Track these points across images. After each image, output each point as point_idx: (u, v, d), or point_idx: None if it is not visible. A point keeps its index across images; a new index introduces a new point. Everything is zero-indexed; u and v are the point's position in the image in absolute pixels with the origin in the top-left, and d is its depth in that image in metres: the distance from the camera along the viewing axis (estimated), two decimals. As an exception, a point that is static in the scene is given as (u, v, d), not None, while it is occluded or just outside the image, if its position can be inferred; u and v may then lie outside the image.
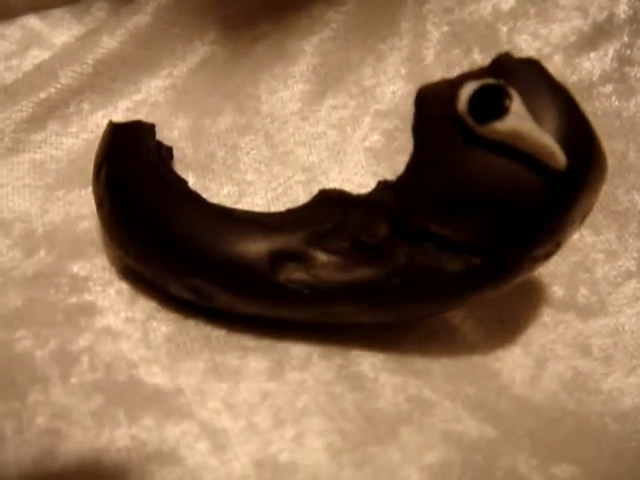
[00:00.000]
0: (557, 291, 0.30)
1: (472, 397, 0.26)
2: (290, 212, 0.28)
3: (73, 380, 0.24)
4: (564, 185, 0.23)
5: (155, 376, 0.25)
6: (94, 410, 0.23)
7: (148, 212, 0.27)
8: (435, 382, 0.26)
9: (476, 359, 0.28)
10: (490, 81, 0.24)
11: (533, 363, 0.28)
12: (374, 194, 0.29)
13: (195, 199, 0.27)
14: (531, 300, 0.30)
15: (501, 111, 0.23)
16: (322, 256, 0.25)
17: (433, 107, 0.25)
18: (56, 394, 0.24)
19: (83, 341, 0.26)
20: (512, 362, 0.28)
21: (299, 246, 0.26)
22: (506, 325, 0.29)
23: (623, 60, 0.35)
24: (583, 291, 0.30)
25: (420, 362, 0.27)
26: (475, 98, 0.24)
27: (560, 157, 0.23)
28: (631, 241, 0.31)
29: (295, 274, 0.25)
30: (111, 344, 0.26)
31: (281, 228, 0.26)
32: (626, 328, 0.29)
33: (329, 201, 0.28)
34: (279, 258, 0.25)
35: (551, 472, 0.23)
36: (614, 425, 0.26)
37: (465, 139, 0.24)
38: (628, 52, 0.35)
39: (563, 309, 0.30)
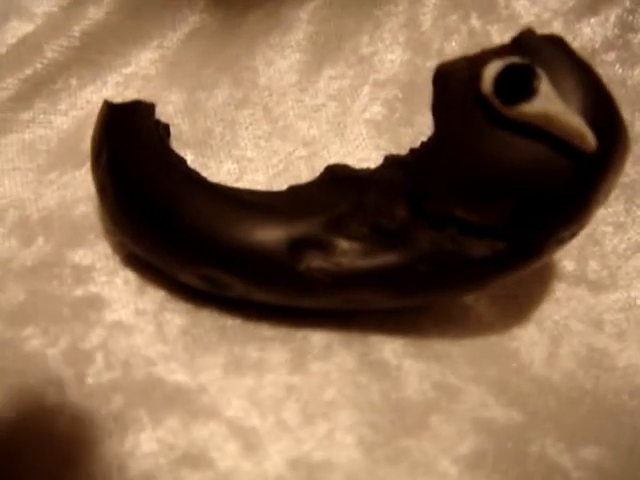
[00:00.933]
0: (567, 265, 0.30)
1: (495, 380, 0.26)
2: (300, 192, 0.28)
3: (89, 380, 0.24)
4: (592, 167, 0.23)
5: (175, 373, 0.24)
6: (115, 412, 0.23)
7: (156, 199, 0.25)
8: (457, 366, 0.26)
9: (493, 339, 0.28)
10: (516, 60, 0.23)
11: (548, 340, 0.28)
12: (383, 171, 0.28)
13: (204, 183, 0.26)
14: (542, 275, 0.30)
15: (528, 91, 0.22)
16: (343, 243, 0.25)
17: (453, 86, 0.24)
18: (73, 396, 0.23)
19: (95, 337, 0.25)
20: (528, 340, 0.28)
21: (318, 232, 0.25)
22: (519, 301, 0.29)
23: (625, 26, 0.34)
24: (593, 265, 0.30)
25: (439, 345, 0.27)
26: (500, 77, 0.23)
27: (590, 139, 0.22)
28: (639, 213, 0.31)
29: (316, 262, 0.24)
30: (125, 340, 0.25)
31: (297, 213, 0.25)
32: (637, 302, 0.29)
33: (338, 180, 0.28)
34: (299, 246, 0.24)
35: (580, 455, 0.23)
36: (631, 402, 0.26)
37: (490, 120, 0.23)
38: (630, 18, 0.35)
39: (574, 284, 0.30)
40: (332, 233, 0.25)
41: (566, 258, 0.30)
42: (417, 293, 0.25)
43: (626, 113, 0.31)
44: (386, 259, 0.24)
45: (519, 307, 0.29)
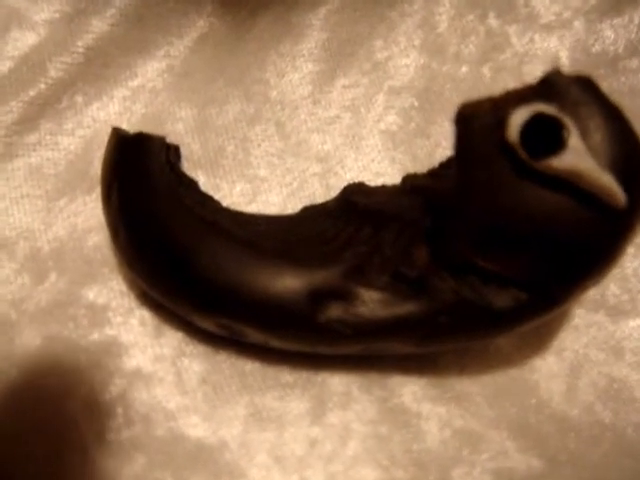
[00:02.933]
0: (587, 289, 0.30)
1: (514, 421, 0.26)
2: (316, 225, 0.27)
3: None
4: (620, 222, 0.22)
5: (196, 427, 0.24)
6: (139, 473, 0.23)
7: (170, 246, 0.25)
8: (477, 408, 0.26)
9: (512, 372, 0.28)
10: (544, 109, 0.22)
11: (567, 371, 0.28)
12: (400, 200, 0.27)
13: (223, 229, 0.25)
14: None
15: (556, 142, 0.21)
16: (363, 292, 0.24)
17: (477, 130, 0.23)
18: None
19: (115, 388, 0.25)
20: (547, 372, 0.28)
21: (339, 282, 0.24)
22: (538, 330, 0.29)
23: (651, 31, 0.33)
24: (613, 289, 0.30)
25: (458, 384, 0.27)
26: (526, 125, 0.22)
27: (620, 197, 0.22)
28: (661, 233, 0.30)
29: (336, 313, 0.24)
30: (145, 391, 0.25)
31: (316, 261, 0.25)
32: (658, 329, 0.29)
33: (354, 210, 0.27)
34: (319, 297, 0.24)
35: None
36: (651, 436, 0.26)
37: (515, 169, 0.22)
38: (656, 21, 0.33)
39: (594, 309, 0.29)
40: (352, 282, 0.24)
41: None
42: (437, 342, 0.25)
43: (647, 124, 0.31)
44: (406, 309, 0.24)
45: (538, 336, 0.29)
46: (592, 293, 0.30)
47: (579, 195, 0.22)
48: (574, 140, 0.21)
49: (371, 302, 0.24)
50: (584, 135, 0.22)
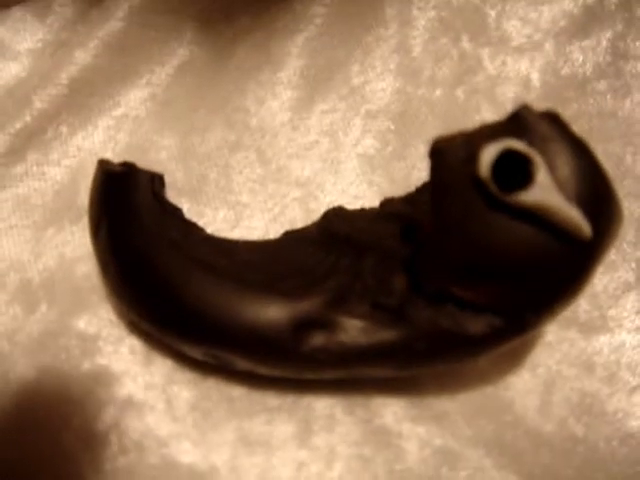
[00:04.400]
0: (559, 306, 0.31)
1: (491, 438, 0.27)
2: (296, 252, 0.28)
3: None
4: (587, 252, 0.23)
5: (187, 454, 0.25)
6: (134, 502, 0.24)
7: (159, 280, 0.26)
8: (455, 427, 0.27)
9: (488, 390, 0.29)
10: (513, 145, 0.23)
11: (541, 387, 0.29)
12: (379, 225, 0.28)
13: (206, 263, 0.26)
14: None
15: (526, 177, 0.23)
16: (345, 321, 0.25)
17: (450, 165, 0.24)
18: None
19: (108, 417, 0.26)
20: (522, 388, 0.29)
21: (321, 312, 0.25)
22: (512, 347, 0.30)
23: (617, 53, 0.34)
24: (584, 305, 0.31)
25: (437, 403, 0.28)
26: (497, 159, 0.23)
27: (586, 229, 0.23)
28: (629, 251, 0.32)
29: (318, 342, 0.25)
30: (137, 419, 0.26)
31: (298, 292, 0.26)
32: (627, 344, 0.30)
33: (333, 236, 0.28)
34: (302, 327, 0.25)
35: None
36: (621, 449, 0.28)
37: (487, 202, 0.23)
38: (622, 44, 0.34)
39: (566, 326, 0.31)
40: (334, 311, 0.25)
41: (557, 299, 0.31)
42: (416, 367, 0.26)
43: (616, 146, 0.32)
44: (386, 336, 0.25)
45: (512, 354, 0.30)
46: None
47: (547, 227, 0.23)
48: (542, 176, 0.23)
49: (352, 330, 0.25)
50: (552, 169, 0.23)
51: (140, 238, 0.26)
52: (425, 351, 0.25)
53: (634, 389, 0.29)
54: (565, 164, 0.23)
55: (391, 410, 0.27)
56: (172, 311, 0.26)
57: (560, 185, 0.23)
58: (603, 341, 0.30)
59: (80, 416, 0.25)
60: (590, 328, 0.31)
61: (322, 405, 0.27)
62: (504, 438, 0.27)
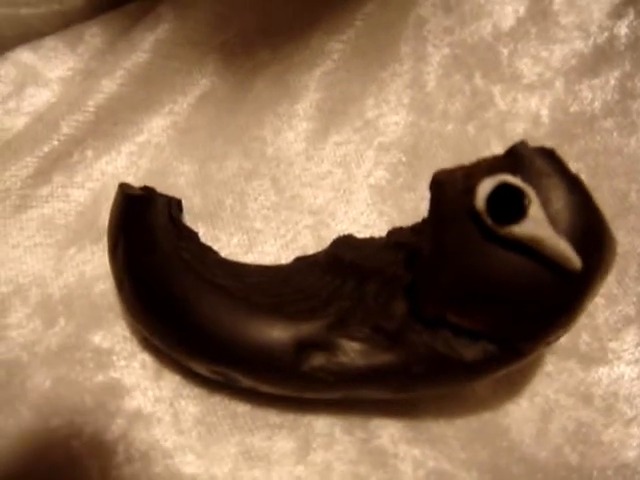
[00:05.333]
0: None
1: (486, 463, 0.28)
2: (304, 277, 0.29)
3: (113, 474, 0.26)
4: (578, 283, 0.24)
5: (190, 465, 0.26)
6: (136, 508, 0.25)
7: (170, 300, 0.27)
8: (451, 451, 0.28)
9: (486, 416, 0.30)
10: (508, 179, 0.24)
11: (539, 416, 0.30)
12: (385, 253, 0.30)
13: (217, 284, 0.28)
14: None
15: (519, 210, 0.24)
16: (345, 343, 0.26)
17: (450, 197, 0.25)
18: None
19: (117, 428, 0.27)
20: (520, 416, 0.30)
21: (323, 334, 0.26)
22: (511, 375, 0.31)
23: (625, 92, 0.35)
24: (585, 337, 0.32)
25: (435, 427, 0.29)
26: (493, 192, 0.24)
27: (575, 261, 0.24)
28: (631, 285, 0.32)
29: (319, 362, 0.26)
30: (144, 430, 0.27)
31: (303, 315, 0.27)
32: (625, 377, 0.31)
33: (341, 263, 0.29)
34: (304, 347, 0.26)
35: None
36: (616, 478, 0.28)
37: (482, 234, 0.24)
38: (630, 84, 0.35)
39: (565, 356, 0.31)
40: (335, 334, 0.27)
41: (559, 330, 0.32)
42: (412, 390, 0.27)
43: (621, 182, 0.33)
44: (384, 359, 0.26)
45: (511, 382, 0.31)
46: (564, 341, 0.32)
47: (539, 259, 0.24)
48: (534, 210, 0.24)
49: (352, 352, 0.26)
50: (546, 204, 0.24)
51: (154, 258, 0.28)
52: (422, 375, 0.26)
53: (631, 420, 0.30)
54: (558, 199, 0.24)
55: (388, 432, 0.28)
56: (181, 328, 0.27)
57: (552, 219, 0.24)
58: (602, 372, 0.31)
59: (91, 426, 0.27)
60: (590, 359, 0.31)
61: (322, 424, 0.28)
62: (498, 463, 0.28)
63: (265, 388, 0.27)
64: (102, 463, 0.26)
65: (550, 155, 0.25)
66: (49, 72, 0.36)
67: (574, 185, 0.25)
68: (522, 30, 0.37)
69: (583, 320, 0.32)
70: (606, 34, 0.37)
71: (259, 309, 0.27)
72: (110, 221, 0.30)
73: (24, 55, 0.36)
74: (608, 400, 0.30)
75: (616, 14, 0.37)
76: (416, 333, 0.26)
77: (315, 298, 0.28)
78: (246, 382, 0.27)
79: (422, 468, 0.27)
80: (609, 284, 0.33)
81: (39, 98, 0.35)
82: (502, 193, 0.24)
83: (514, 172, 0.24)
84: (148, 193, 0.30)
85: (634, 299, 0.32)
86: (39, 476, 0.25)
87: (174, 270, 0.28)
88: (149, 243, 0.28)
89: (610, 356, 0.31)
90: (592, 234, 0.24)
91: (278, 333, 0.26)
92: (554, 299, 0.25)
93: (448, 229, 0.25)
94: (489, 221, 0.24)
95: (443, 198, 0.26)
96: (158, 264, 0.28)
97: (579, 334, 0.32)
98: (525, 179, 0.24)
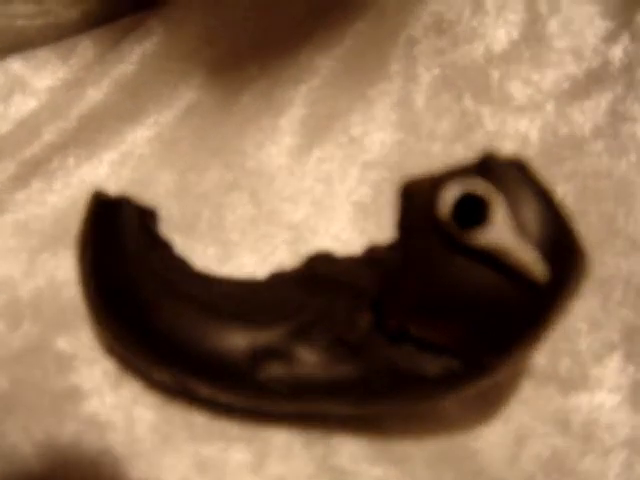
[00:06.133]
0: (539, 361, 0.31)
1: (450, 485, 0.27)
2: (276, 289, 0.28)
3: (58, 476, 0.25)
4: (545, 296, 0.23)
5: (140, 472, 0.25)
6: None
7: (133, 303, 0.27)
8: (415, 470, 0.27)
9: (457, 438, 0.29)
10: (472, 188, 0.23)
11: (512, 441, 0.29)
12: (359, 270, 0.29)
13: (181, 290, 0.27)
14: (513, 371, 0.30)
15: (484, 220, 0.23)
16: (303, 353, 0.26)
17: (416, 206, 0.25)
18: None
19: (68, 432, 0.26)
20: (492, 440, 0.29)
21: (281, 342, 0.26)
22: (487, 398, 0.30)
23: (616, 114, 0.34)
24: (566, 362, 0.31)
25: (400, 446, 0.28)
26: (458, 202, 0.23)
27: (541, 272, 0.23)
28: (615, 310, 0.31)
29: (275, 372, 0.26)
30: (97, 435, 0.26)
31: (264, 321, 0.26)
32: (607, 404, 0.30)
33: (315, 278, 0.28)
34: (261, 355, 0.26)
35: None
36: (589, 510, 0.27)
37: (447, 243, 0.24)
38: (621, 107, 0.35)
39: (545, 382, 0.30)
40: (294, 343, 0.26)
41: (538, 354, 0.31)
42: (372, 405, 0.26)
43: (609, 206, 0.32)
44: (343, 372, 0.25)
45: (486, 404, 0.30)
46: (544, 366, 0.31)
47: (504, 270, 0.23)
48: (498, 216, 0.23)
49: (310, 363, 0.26)
50: (514, 214, 0.23)
51: (120, 261, 0.28)
52: (382, 389, 0.25)
53: (610, 450, 0.29)
54: (528, 209, 0.24)
55: (349, 449, 0.27)
56: (142, 333, 0.26)
57: (521, 229, 0.23)
58: (582, 399, 0.30)
59: (44, 429, 0.26)
60: (570, 386, 0.30)
61: (281, 438, 0.27)
62: (464, 486, 0.27)
63: (222, 398, 0.27)
64: (49, 466, 0.25)
65: (520, 167, 0.24)
66: (38, 82, 0.36)
67: (544, 197, 0.24)
68: (515, 53, 0.37)
69: (564, 345, 0.31)
70: (600, 58, 0.36)
71: (220, 316, 0.26)
72: (81, 225, 0.29)
73: (15, 64, 0.36)
74: (587, 427, 0.29)
75: (611, 39, 0.37)
76: (377, 346, 0.25)
77: (280, 309, 0.27)
78: (204, 391, 0.26)
79: (382, 487, 0.26)
80: (593, 309, 0.32)
81: (26, 106, 0.35)
82: (470, 205, 0.23)
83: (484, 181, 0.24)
84: (120, 200, 0.29)
85: (618, 325, 0.31)
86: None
87: (139, 275, 0.27)
88: (117, 248, 0.28)
89: (592, 382, 0.30)
90: (561, 246, 0.24)
91: (235, 339, 0.26)
92: (520, 312, 0.24)
93: (413, 239, 0.25)
94: (453, 228, 0.23)
95: (410, 208, 0.25)
96: (124, 268, 0.27)
97: (560, 359, 0.31)
98: (494, 189, 0.23)
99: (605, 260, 0.32)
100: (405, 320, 0.25)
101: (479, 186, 0.23)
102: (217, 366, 0.26)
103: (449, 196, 0.23)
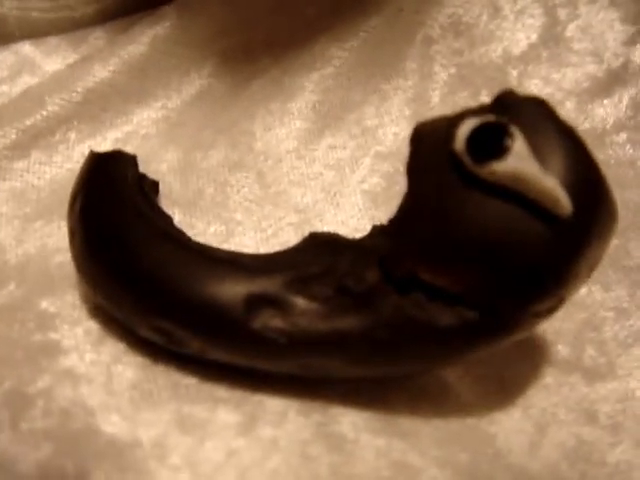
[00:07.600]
0: (562, 350, 0.28)
1: (464, 464, 0.24)
2: (276, 254, 0.26)
3: (23, 426, 0.22)
4: (569, 234, 0.21)
5: (113, 425, 0.23)
6: (40, 460, 0.21)
7: (119, 247, 0.25)
8: (423, 446, 0.24)
9: (470, 421, 0.26)
10: (491, 118, 0.22)
11: (533, 428, 0.26)
12: (367, 239, 0.27)
13: (173, 236, 0.25)
14: (533, 359, 0.28)
15: (502, 151, 0.21)
16: (302, 302, 0.23)
17: (429, 145, 0.23)
18: (3, 440, 0.22)
19: (41, 383, 0.24)
20: (510, 426, 0.26)
21: (278, 290, 0.24)
22: (505, 385, 0.27)
23: (638, 107, 0.33)
24: (590, 351, 0.28)
25: (408, 423, 0.25)
26: (474, 136, 0.21)
27: (565, 203, 0.21)
28: (642, 299, 0.29)
29: (272, 321, 0.23)
30: (70, 388, 0.24)
31: (261, 270, 0.24)
32: (637, 394, 0.27)
33: (318, 244, 0.26)
34: (255, 302, 0.23)
35: None
36: (621, 502, 0.24)
37: (462, 180, 0.22)
38: (644, 99, 0.33)
39: (568, 370, 0.27)
40: (293, 292, 0.24)
41: (561, 342, 0.28)
42: (377, 362, 0.24)
43: (634, 194, 0.30)
44: (346, 323, 0.23)
45: (504, 390, 0.27)
46: (567, 354, 0.28)
47: (525, 205, 0.21)
48: (518, 145, 0.21)
49: (310, 313, 0.23)
50: (535, 148, 0.21)
51: (109, 207, 0.26)
52: (387, 342, 0.23)
53: (641, 441, 0.25)
54: (549, 142, 0.22)
55: (350, 419, 0.24)
56: (128, 277, 0.25)
57: (542, 160, 0.21)
58: (609, 389, 0.27)
59: (15, 377, 0.24)
60: (595, 375, 0.28)
61: (275, 403, 0.24)
62: (479, 467, 0.24)
63: (212, 352, 0.24)
64: (15, 415, 0.23)
65: (541, 103, 0.23)
66: (46, 65, 0.36)
67: (566, 130, 0.22)
68: (533, 54, 0.36)
69: (589, 334, 0.29)
70: (621, 60, 0.35)
71: (213, 260, 0.24)
72: (75, 182, 0.28)
73: (26, 47, 0.36)
74: (615, 418, 0.26)
75: (632, 43, 0.36)
76: (384, 295, 0.23)
77: (278, 260, 0.25)
78: (193, 344, 0.24)
79: (385, 458, 0.23)
80: (620, 298, 0.29)
81: (30, 83, 0.34)
82: (487, 140, 0.22)
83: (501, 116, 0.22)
84: (116, 152, 0.28)
85: (646, 313, 0.29)
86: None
87: (129, 219, 0.26)
88: (106, 194, 0.27)
89: (619, 372, 0.28)
90: (585, 180, 0.22)
91: (228, 285, 0.24)
92: (541, 252, 0.22)
93: (424, 177, 0.23)
94: (468, 161, 0.21)
95: (422, 148, 0.23)
96: (112, 212, 0.26)
97: (583, 348, 0.28)
98: (512, 123, 0.22)
99: (631, 249, 0.30)
100: (415, 265, 0.23)
101: (498, 117, 0.22)
102: (208, 314, 0.24)
103: (465, 127, 0.22)
